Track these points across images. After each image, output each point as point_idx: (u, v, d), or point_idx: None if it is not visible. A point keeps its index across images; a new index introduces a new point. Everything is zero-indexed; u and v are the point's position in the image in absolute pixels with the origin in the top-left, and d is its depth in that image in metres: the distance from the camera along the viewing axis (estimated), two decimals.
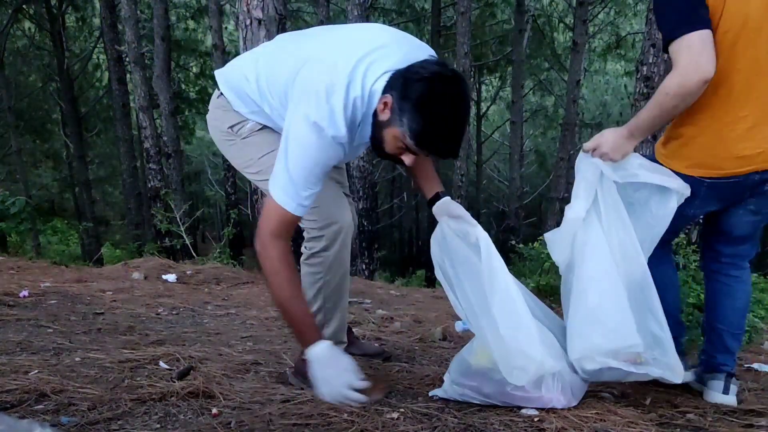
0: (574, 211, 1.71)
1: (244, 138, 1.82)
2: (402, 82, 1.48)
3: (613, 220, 1.68)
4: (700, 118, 1.63)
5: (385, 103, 1.50)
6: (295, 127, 1.53)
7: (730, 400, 1.81)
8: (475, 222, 1.77)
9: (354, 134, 1.59)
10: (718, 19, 1.54)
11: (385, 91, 1.52)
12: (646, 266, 1.68)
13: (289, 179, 1.54)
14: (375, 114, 1.55)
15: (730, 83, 1.58)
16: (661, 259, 1.84)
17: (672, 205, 1.68)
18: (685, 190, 1.68)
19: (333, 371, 1.59)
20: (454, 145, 1.49)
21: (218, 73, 1.88)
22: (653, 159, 1.78)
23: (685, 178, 1.68)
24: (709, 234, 1.91)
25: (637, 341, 1.62)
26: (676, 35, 1.51)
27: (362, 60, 1.54)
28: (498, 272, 1.65)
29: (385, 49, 1.58)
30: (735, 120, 1.60)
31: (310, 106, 1.51)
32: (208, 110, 1.94)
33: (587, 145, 1.75)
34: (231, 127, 1.82)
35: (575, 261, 1.73)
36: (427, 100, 1.44)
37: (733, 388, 1.83)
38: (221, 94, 1.85)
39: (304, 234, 1.83)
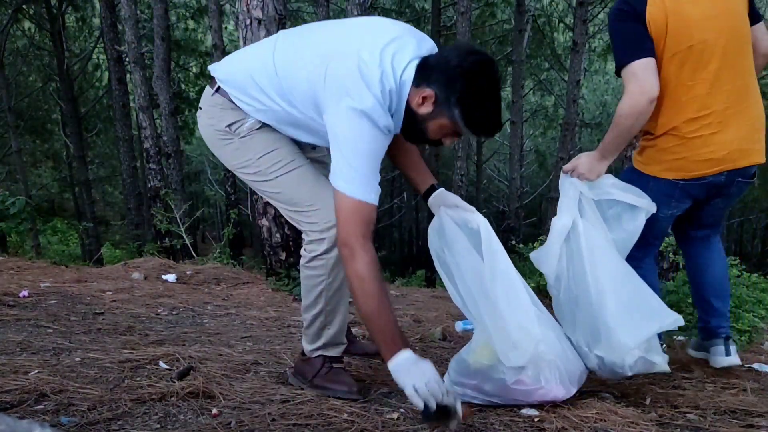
0: (560, 222, 1.86)
1: (242, 137, 1.76)
2: (441, 75, 1.53)
3: (594, 230, 1.84)
4: (667, 128, 1.85)
5: (424, 98, 1.54)
6: (344, 121, 1.52)
7: (734, 360, 2.02)
8: (472, 208, 1.81)
9: (394, 123, 1.63)
10: (662, 46, 1.78)
11: (417, 83, 1.56)
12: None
13: (356, 172, 1.53)
14: (408, 105, 1.59)
15: (687, 96, 1.81)
16: (650, 267, 2.10)
17: (640, 221, 1.88)
18: (651, 207, 1.88)
19: (418, 378, 1.48)
20: (501, 122, 1.60)
21: (215, 70, 1.81)
22: (632, 169, 1.99)
23: (661, 180, 1.90)
24: (680, 221, 2.10)
25: (675, 315, 1.71)
26: (624, 63, 1.76)
27: (385, 51, 1.55)
28: (499, 255, 1.71)
29: (401, 40, 1.60)
30: (698, 127, 1.82)
31: (353, 99, 1.50)
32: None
33: (566, 166, 1.97)
34: (229, 125, 1.76)
35: (562, 273, 1.86)
36: (477, 91, 1.53)
37: (733, 348, 2.04)
38: (217, 90, 1.78)
39: (304, 237, 1.80)
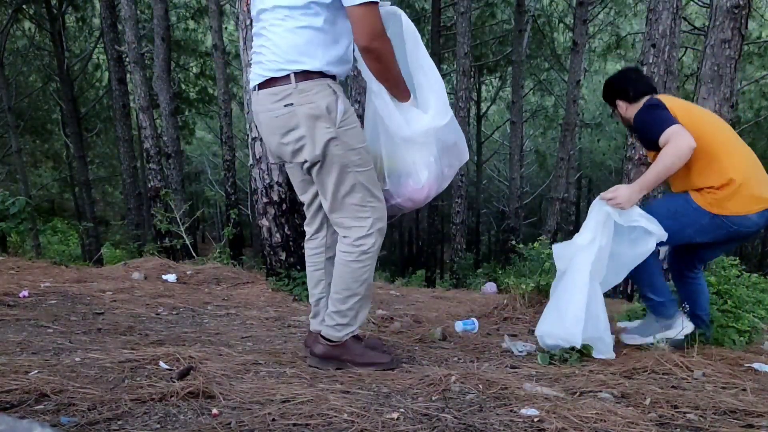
0: (582, 239, 2.32)
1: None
2: None
3: (604, 249, 2.31)
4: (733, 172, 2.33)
5: None
6: None
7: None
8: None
9: None
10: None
11: None
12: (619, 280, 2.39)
13: None
14: None
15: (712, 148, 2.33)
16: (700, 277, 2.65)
17: (651, 245, 2.30)
18: (663, 235, 2.28)
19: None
20: None
21: None
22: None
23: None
24: (686, 253, 2.60)
25: (576, 338, 2.26)
26: (663, 130, 2.23)
27: None
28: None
29: None
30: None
31: None
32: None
33: (605, 194, 2.34)
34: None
35: (568, 272, 2.35)
36: None
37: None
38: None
39: (349, 234, 2.01)
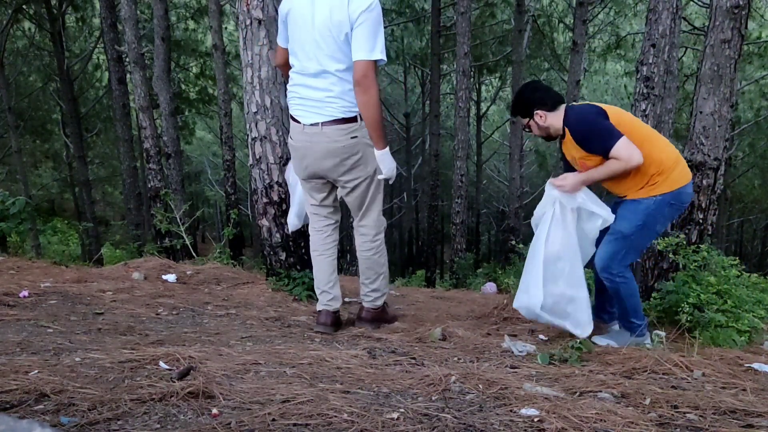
0: (538, 211, 2.78)
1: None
2: None
3: (560, 223, 2.67)
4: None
5: None
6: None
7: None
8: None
9: None
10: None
11: None
12: (573, 251, 2.66)
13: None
14: None
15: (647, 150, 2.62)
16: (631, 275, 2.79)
17: (598, 225, 2.68)
18: (610, 217, 2.65)
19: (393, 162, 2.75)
20: None
21: None
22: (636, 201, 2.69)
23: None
24: None
25: (538, 299, 2.62)
26: (613, 142, 2.53)
27: None
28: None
29: None
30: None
31: None
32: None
33: (554, 181, 2.71)
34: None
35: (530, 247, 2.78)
36: None
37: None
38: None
39: (368, 233, 2.87)
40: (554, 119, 2.70)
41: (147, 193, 11.04)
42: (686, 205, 2.77)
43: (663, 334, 2.77)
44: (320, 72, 2.58)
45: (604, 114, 2.60)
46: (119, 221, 18.16)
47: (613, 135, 2.53)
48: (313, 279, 3.37)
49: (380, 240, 2.89)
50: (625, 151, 2.51)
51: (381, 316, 3.03)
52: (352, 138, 2.63)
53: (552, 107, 2.69)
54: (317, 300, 2.94)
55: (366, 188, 2.76)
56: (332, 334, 2.80)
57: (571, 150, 2.71)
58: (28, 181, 15.04)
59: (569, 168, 2.83)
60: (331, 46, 2.53)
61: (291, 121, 2.76)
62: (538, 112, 2.70)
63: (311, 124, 2.64)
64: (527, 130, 2.83)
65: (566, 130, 2.68)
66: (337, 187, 2.87)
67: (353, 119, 2.62)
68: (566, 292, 2.63)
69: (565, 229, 2.66)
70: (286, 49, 2.74)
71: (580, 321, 2.65)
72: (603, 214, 2.64)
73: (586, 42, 12.34)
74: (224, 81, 11.44)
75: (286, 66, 2.80)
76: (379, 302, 2.98)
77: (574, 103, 2.75)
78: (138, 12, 10.75)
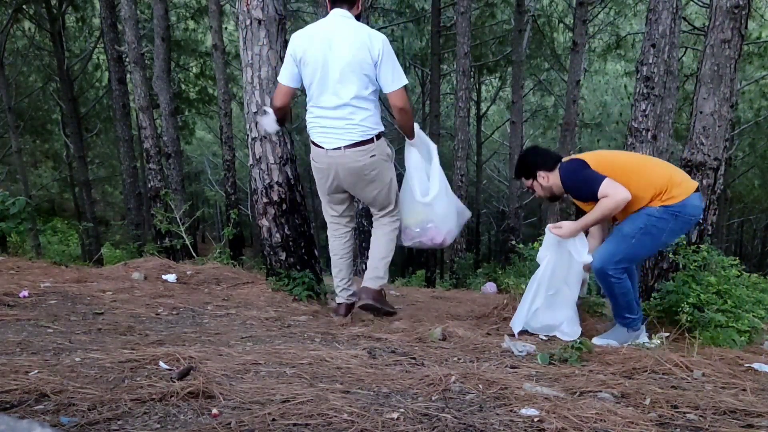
0: (539, 255, 3.00)
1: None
2: None
3: (561, 257, 2.94)
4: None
5: None
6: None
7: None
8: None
9: None
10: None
11: None
12: (572, 281, 2.96)
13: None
14: None
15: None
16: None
17: (579, 268, 2.91)
18: (587, 260, 2.86)
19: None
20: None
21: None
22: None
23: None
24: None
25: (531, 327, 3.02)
26: (598, 186, 2.69)
27: None
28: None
29: None
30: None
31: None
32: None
33: (552, 227, 2.89)
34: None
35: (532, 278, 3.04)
36: None
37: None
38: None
39: (392, 218, 3.29)
40: (555, 178, 2.91)
41: (147, 193, 11.05)
42: (695, 218, 2.81)
43: (665, 334, 2.77)
44: (340, 105, 2.94)
45: (584, 164, 2.81)
46: (119, 221, 18.17)
47: (596, 179, 2.72)
48: (313, 279, 3.73)
49: (397, 218, 3.32)
50: (610, 188, 2.68)
51: (380, 298, 3.32)
52: (371, 157, 3.02)
53: (552, 167, 2.91)
54: (336, 295, 3.41)
55: (386, 195, 3.21)
56: (333, 333, 2.82)
57: (575, 201, 2.96)
58: (28, 181, 15.03)
59: (581, 213, 2.97)
60: (353, 82, 2.89)
61: (313, 146, 3.09)
62: (540, 173, 2.93)
63: (334, 149, 3.01)
64: (532, 191, 3.05)
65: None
66: (354, 200, 3.32)
67: (370, 140, 3.00)
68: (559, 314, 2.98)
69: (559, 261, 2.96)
70: (290, 89, 3.05)
71: (569, 331, 2.96)
72: (579, 258, 2.88)
73: (586, 42, 12.34)
74: (224, 81, 11.44)
75: (285, 108, 3.16)
76: (378, 285, 3.28)
77: (563, 160, 2.94)
78: (138, 12, 10.75)
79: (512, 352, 2.47)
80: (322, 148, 3.03)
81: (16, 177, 14.64)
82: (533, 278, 3.00)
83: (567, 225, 2.87)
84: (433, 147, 3.31)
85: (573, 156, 2.94)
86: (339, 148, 2.99)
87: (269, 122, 3.26)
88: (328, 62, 2.89)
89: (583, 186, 2.80)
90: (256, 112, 3.62)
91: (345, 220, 3.35)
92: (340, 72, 2.88)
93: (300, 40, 2.94)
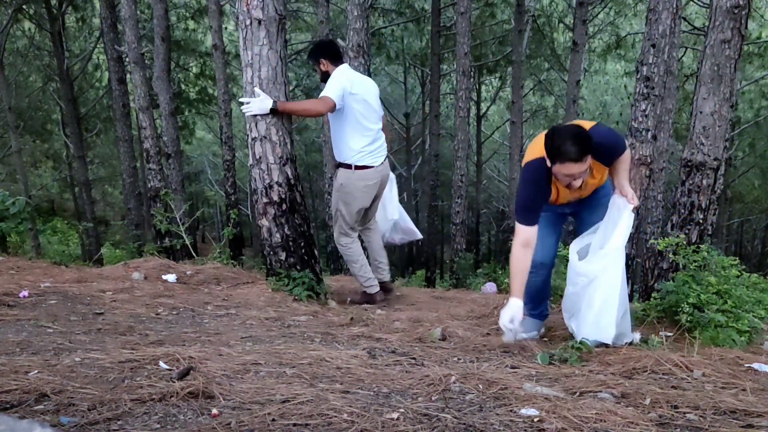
0: (618, 242, 2.57)
1: None
2: None
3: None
4: None
5: None
6: None
7: None
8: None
9: None
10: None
11: None
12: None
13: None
14: None
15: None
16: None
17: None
18: (636, 203, 2.63)
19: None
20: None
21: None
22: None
23: None
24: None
25: (610, 335, 2.54)
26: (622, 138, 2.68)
27: None
28: None
29: None
30: None
31: None
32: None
33: (636, 201, 2.61)
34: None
35: (601, 276, 2.59)
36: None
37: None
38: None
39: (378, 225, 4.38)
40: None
41: (147, 193, 11.03)
42: None
43: (668, 334, 2.77)
44: (378, 130, 3.95)
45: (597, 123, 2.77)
46: (119, 221, 18.16)
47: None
48: (313, 279, 3.83)
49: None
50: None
51: (366, 297, 4.10)
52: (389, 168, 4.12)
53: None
54: (371, 286, 4.08)
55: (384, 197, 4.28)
56: (333, 333, 2.82)
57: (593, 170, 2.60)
58: (28, 181, 15.02)
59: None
60: (379, 114, 3.96)
61: (362, 169, 3.83)
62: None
63: (381, 164, 3.95)
64: (581, 179, 2.50)
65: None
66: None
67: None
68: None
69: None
70: (335, 105, 3.64)
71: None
72: (627, 212, 2.59)
73: (586, 42, 12.34)
74: (224, 81, 11.43)
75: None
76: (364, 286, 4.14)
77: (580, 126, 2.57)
78: (138, 12, 10.74)
79: (512, 353, 2.47)
80: (373, 166, 3.88)
81: (16, 177, 14.62)
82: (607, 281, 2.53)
83: (630, 192, 2.63)
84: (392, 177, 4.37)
85: (575, 122, 2.65)
86: (383, 163, 3.98)
87: (261, 104, 3.56)
88: (368, 98, 3.85)
89: (618, 138, 2.64)
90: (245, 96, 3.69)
91: (363, 226, 4.24)
92: (377, 105, 3.94)
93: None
